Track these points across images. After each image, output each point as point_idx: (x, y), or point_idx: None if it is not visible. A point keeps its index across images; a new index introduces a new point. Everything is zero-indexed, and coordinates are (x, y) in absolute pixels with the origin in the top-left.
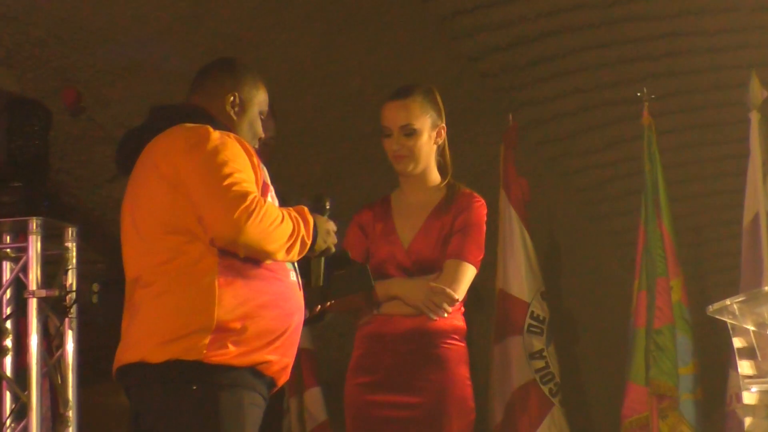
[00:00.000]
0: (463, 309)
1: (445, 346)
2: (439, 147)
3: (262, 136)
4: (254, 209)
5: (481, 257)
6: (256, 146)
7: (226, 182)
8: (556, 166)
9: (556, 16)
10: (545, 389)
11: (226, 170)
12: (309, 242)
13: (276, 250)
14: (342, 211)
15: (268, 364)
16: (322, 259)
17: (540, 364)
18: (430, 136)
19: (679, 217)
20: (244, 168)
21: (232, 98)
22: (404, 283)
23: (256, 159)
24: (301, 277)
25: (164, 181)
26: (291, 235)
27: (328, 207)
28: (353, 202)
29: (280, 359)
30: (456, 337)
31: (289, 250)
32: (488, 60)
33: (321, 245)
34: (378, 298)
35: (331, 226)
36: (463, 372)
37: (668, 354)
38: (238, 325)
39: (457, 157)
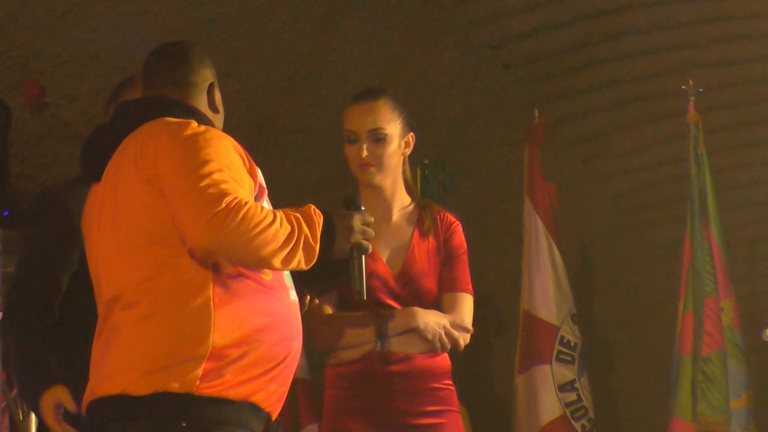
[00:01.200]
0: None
1: (450, 387)
2: (405, 159)
3: None
4: (231, 211)
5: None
6: None
7: (202, 183)
8: (589, 169)
9: None
10: (577, 426)
11: (205, 170)
12: (316, 245)
13: (267, 256)
14: None
15: (266, 394)
16: (361, 258)
17: (571, 397)
18: (399, 145)
19: (730, 228)
20: (229, 167)
21: (213, 91)
22: (425, 314)
23: (247, 158)
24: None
25: (145, 184)
26: (288, 239)
27: (362, 206)
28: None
29: (278, 389)
30: (451, 379)
31: (289, 257)
32: (510, 48)
33: (342, 245)
34: (388, 330)
35: (361, 220)
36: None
37: (718, 385)
38: (235, 351)
39: (475, 159)
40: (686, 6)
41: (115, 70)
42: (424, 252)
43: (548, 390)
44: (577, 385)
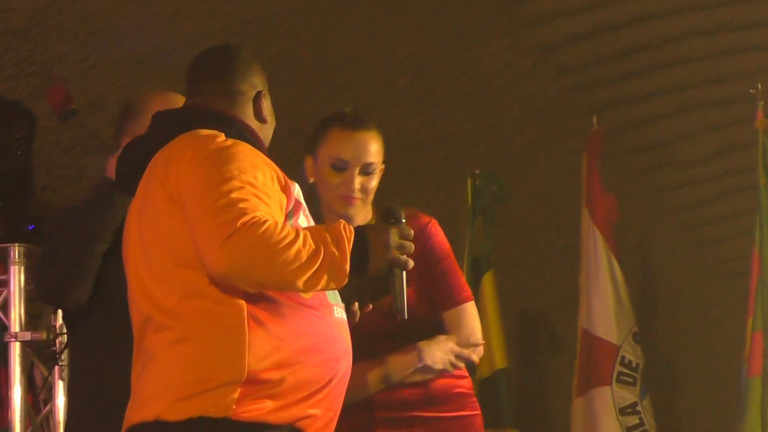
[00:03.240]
0: None
1: (476, 410)
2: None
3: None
4: (247, 232)
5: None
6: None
7: (219, 203)
8: (650, 179)
9: None
10: None
11: (225, 188)
12: (345, 264)
13: (289, 279)
14: None
15: (311, 419)
16: (402, 275)
17: (633, 420)
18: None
19: None
20: (252, 184)
21: (260, 100)
22: (429, 350)
23: (281, 173)
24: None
25: (168, 203)
26: (312, 259)
27: (402, 218)
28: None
29: (324, 413)
30: (475, 399)
31: (313, 278)
32: (567, 51)
33: (378, 263)
34: (393, 376)
35: (398, 234)
36: None
37: None
38: (273, 375)
39: (529, 168)
40: (753, 7)
41: (144, 75)
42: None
43: (608, 413)
44: (638, 407)
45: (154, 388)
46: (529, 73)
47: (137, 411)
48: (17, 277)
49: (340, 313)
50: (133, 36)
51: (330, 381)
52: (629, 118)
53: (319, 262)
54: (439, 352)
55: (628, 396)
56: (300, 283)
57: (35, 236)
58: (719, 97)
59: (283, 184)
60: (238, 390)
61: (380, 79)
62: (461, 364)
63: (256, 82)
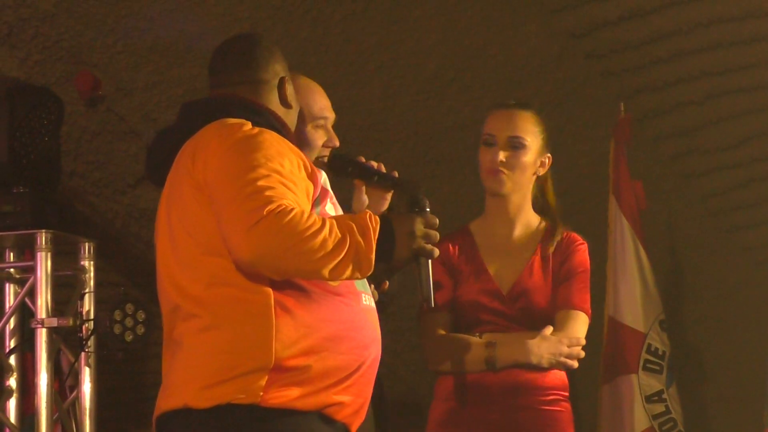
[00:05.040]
0: None
1: (558, 406)
2: (539, 180)
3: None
4: (274, 220)
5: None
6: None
7: (245, 191)
8: (678, 166)
9: None
10: None
11: (251, 176)
12: (371, 254)
13: (315, 267)
14: None
15: (339, 406)
16: (428, 264)
17: (659, 408)
18: (535, 160)
19: None
20: (279, 171)
21: (284, 87)
22: (537, 347)
23: (307, 160)
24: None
25: (196, 191)
26: (338, 248)
27: (427, 207)
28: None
29: (353, 400)
30: (565, 395)
31: (339, 267)
32: (594, 37)
33: (403, 252)
34: (497, 362)
35: (423, 223)
36: None
37: None
38: (300, 362)
39: (556, 155)
40: None
41: (172, 61)
42: (540, 271)
43: (634, 401)
44: (665, 395)
45: (183, 376)
46: (557, 60)
47: (167, 399)
48: (44, 263)
49: (368, 300)
50: (161, 22)
51: (359, 368)
52: (656, 104)
53: (345, 251)
54: (546, 354)
55: (654, 384)
56: (326, 271)
57: (62, 222)
58: (747, 83)
59: (310, 171)
60: (266, 377)
61: (408, 65)
62: (571, 363)
63: (278, 70)
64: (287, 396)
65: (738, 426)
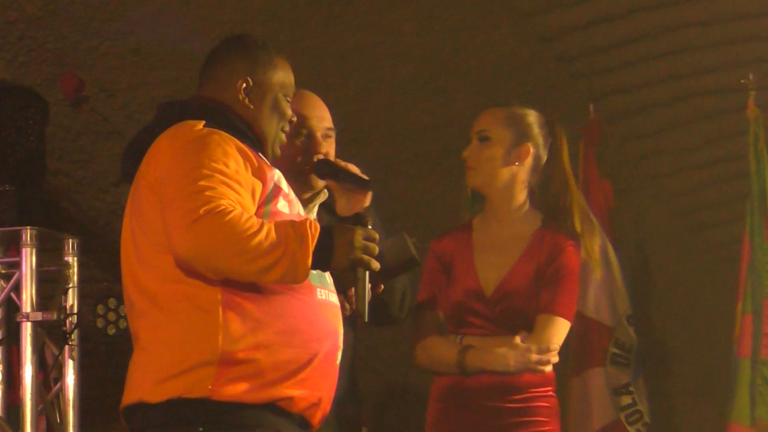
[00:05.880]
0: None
1: (539, 402)
2: (529, 171)
3: (293, 117)
4: (212, 219)
5: (575, 311)
6: (287, 129)
7: (188, 189)
8: (646, 166)
9: None
10: (632, 430)
11: (193, 176)
12: (307, 259)
13: (247, 268)
14: (391, 223)
15: (291, 401)
16: (365, 276)
17: (626, 400)
18: (503, 153)
19: None
20: (222, 172)
21: (244, 85)
22: (504, 358)
23: (257, 159)
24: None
25: (149, 191)
26: (271, 251)
27: (369, 222)
28: (403, 210)
29: (308, 394)
30: (547, 390)
31: (272, 270)
32: (565, 40)
33: (341, 260)
34: (468, 367)
35: (363, 235)
36: (557, 429)
37: None
38: (249, 356)
39: None
40: None
41: (155, 64)
42: (526, 272)
43: (602, 393)
44: (632, 388)
45: (139, 371)
46: (529, 62)
47: (127, 393)
48: (29, 259)
49: (324, 294)
50: (144, 25)
51: (310, 360)
52: (625, 106)
53: (279, 254)
54: (513, 361)
55: (621, 377)
56: (258, 273)
57: (47, 219)
58: (713, 86)
59: (258, 170)
60: (214, 370)
61: (384, 68)
62: (541, 369)
63: (243, 68)
64: (237, 389)
65: (703, 418)
